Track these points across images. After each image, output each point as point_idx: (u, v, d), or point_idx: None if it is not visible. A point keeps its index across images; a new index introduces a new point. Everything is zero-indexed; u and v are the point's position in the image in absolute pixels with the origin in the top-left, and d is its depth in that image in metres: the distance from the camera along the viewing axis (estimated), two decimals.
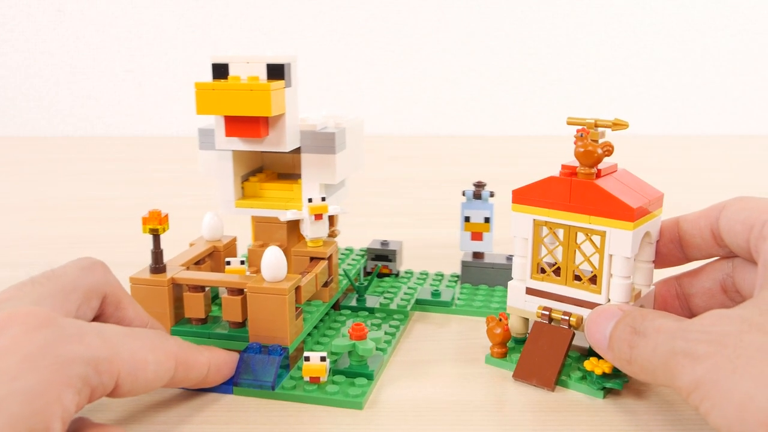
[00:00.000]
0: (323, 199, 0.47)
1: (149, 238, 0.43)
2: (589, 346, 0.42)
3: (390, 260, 0.57)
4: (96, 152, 1.29)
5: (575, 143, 0.40)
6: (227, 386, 0.40)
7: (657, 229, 0.42)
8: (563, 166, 0.42)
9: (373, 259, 0.58)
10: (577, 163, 0.41)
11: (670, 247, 0.43)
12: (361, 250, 0.59)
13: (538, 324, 0.42)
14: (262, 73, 0.44)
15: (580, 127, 0.41)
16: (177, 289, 0.43)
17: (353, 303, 0.52)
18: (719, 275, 0.42)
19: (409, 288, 0.55)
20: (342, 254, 0.58)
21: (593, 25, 1.46)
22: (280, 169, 0.53)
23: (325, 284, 0.48)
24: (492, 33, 1.46)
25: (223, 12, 1.45)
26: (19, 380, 0.28)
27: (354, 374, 0.41)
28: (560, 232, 0.42)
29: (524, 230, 0.43)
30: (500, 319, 0.44)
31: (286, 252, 0.50)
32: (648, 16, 1.46)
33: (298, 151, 0.48)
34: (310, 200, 0.47)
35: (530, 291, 0.43)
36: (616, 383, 0.40)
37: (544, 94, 1.48)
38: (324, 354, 0.40)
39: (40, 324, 0.30)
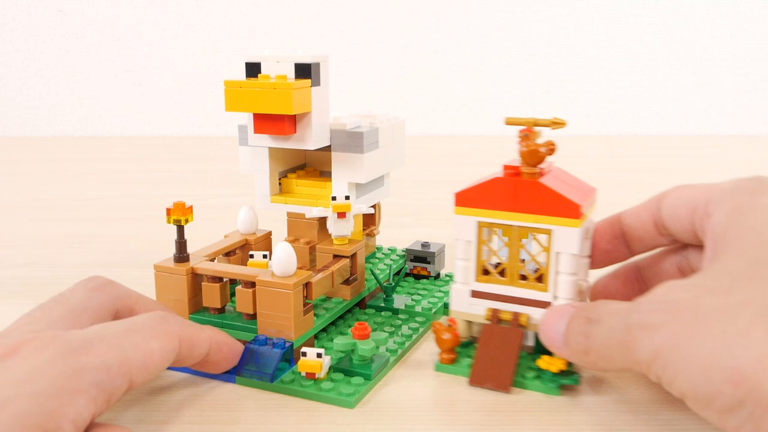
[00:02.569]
0: (347, 197, 0.47)
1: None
2: (536, 344, 0.43)
3: (428, 262, 0.56)
4: (96, 152, 1.29)
5: (519, 143, 0.40)
6: (230, 375, 0.41)
7: (592, 224, 0.43)
8: (506, 167, 0.42)
9: (411, 261, 0.57)
10: (518, 163, 0.41)
11: (615, 244, 0.43)
12: (402, 251, 0.59)
13: (488, 327, 0.42)
14: (291, 72, 0.45)
15: (522, 127, 0.41)
16: (197, 278, 0.45)
17: (381, 303, 0.52)
18: (676, 258, 0.43)
19: (441, 291, 0.54)
20: (383, 254, 0.58)
21: (593, 25, 1.46)
22: (322, 167, 0.54)
23: (347, 282, 0.48)
24: (492, 33, 1.46)
25: (223, 12, 1.45)
26: (30, 384, 0.29)
27: (353, 373, 0.41)
28: (501, 233, 0.42)
29: (467, 233, 0.42)
30: (449, 325, 0.43)
31: (313, 249, 0.51)
32: (648, 16, 1.46)
33: (328, 149, 0.49)
34: (333, 198, 0.47)
35: (475, 294, 0.43)
36: (572, 379, 0.40)
37: (545, 94, 1.48)
38: (321, 350, 0.40)
39: (45, 344, 0.31)
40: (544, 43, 1.47)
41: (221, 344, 0.40)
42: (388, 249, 0.59)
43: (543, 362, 0.40)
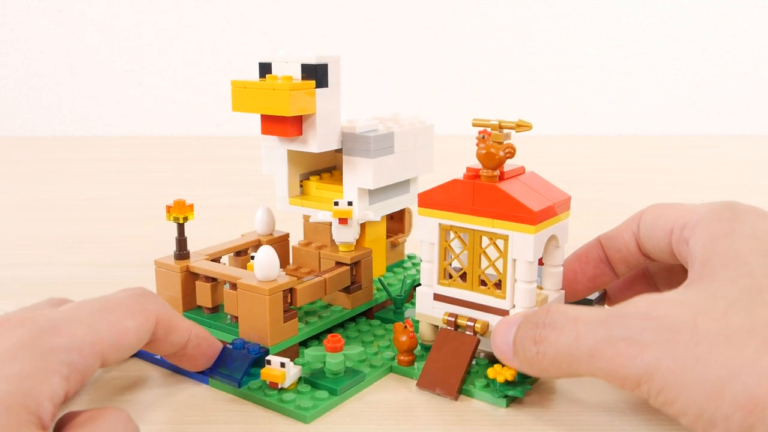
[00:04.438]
0: (350, 203, 0.46)
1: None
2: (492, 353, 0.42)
3: None
4: (96, 152, 1.29)
5: (477, 145, 0.40)
6: (204, 376, 0.41)
7: (565, 232, 0.42)
8: (468, 169, 0.41)
9: None
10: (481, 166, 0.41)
11: (602, 267, 0.44)
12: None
13: (444, 331, 0.41)
14: (298, 73, 0.45)
15: (481, 129, 0.40)
16: (192, 276, 0.45)
17: (390, 315, 0.50)
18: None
19: None
20: (413, 263, 0.56)
21: (593, 25, 1.46)
22: None
23: (347, 290, 0.47)
24: (493, 33, 1.46)
25: (223, 12, 1.45)
26: (3, 367, 0.29)
27: (320, 386, 0.40)
28: (465, 237, 0.42)
29: (430, 235, 0.42)
30: (405, 326, 0.42)
31: None
32: (648, 16, 1.46)
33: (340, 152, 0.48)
34: (335, 203, 0.46)
35: (437, 297, 0.42)
36: (518, 391, 0.39)
37: (545, 94, 1.48)
38: (285, 360, 0.39)
39: (15, 325, 0.31)
40: (545, 43, 1.47)
41: (201, 339, 0.40)
42: (420, 259, 0.57)
43: (492, 371, 0.39)
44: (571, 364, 0.33)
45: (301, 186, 0.51)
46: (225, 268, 0.44)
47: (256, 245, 0.50)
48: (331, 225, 0.49)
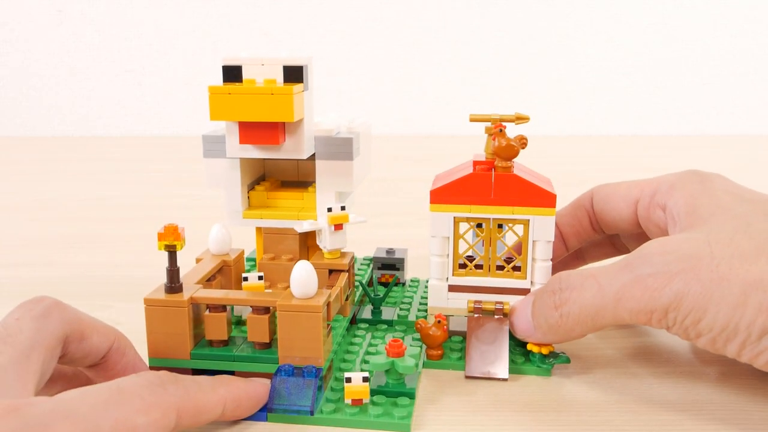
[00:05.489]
0: (343, 208, 0.45)
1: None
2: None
3: (397, 269, 0.55)
4: (96, 152, 1.29)
5: (494, 139, 0.42)
6: (261, 413, 0.37)
7: None
8: (476, 162, 0.44)
9: (379, 269, 0.55)
10: (483, 158, 0.44)
11: (554, 243, 0.46)
12: (365, 259, 0.56)
13: (473, 318, 0.43)
14: (279, 76, 0.42)
15: (488, 124, 0.43)
16: (196, 308, 0.40)
17: (368, 316, 0.49)
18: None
19: (422, 297, 0.53)
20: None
21: (593, 25, 1.46)
22: (284, 177, 0.51)
23: (347, 298, 0.46)
24: (493, 33, 1.46)
25: (223, 12, 1.45)
26: None
27: (394, 393, 0.38)
28: (479, 226, 0.44)
29: (444, 229, 0.43)
30: (438, 321, 0.43)
31: None
32: (648, 16, 1.46)
33: (311, 157, 0.45)
34: (329, 210, 0.44)
35: (453, 288, 0.44)
36: (562, 358, 0.42)
37: (545, 94, 1.48)
38: (366, 374, 0.37)
39: (2, 414, 0.27)
40: (545, 43, 1.47)
41: (240, 399, 0.36)
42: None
43: (532, 345, 0.42)
44: (596, 315, 0.37)
45: (248, 198, 0.48)
46: (239, 293, 0.40)
47: (220, 269, 0.46)
48: (301, 234, 0.47)
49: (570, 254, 0.51)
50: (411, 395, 0.38)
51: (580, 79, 1.48)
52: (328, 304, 0.40)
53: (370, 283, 0.54)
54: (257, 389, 0.37)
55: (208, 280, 0.44)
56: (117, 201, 0.89)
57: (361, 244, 0.56)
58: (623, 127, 1.49)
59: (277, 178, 0.51)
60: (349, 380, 0.37)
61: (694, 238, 0.36)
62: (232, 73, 0.42)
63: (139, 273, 0.60)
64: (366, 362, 0.43)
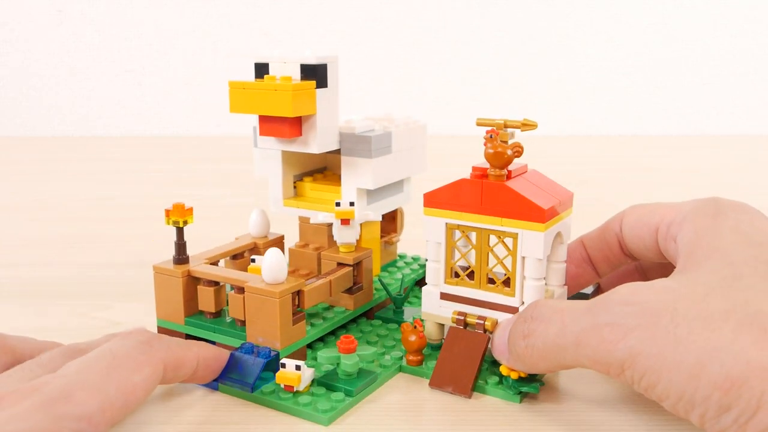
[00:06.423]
0: (351, 204, 0.46)
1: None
2: None
3: None
4: (96, 152, 1.29)
5: (485, 144, 0.40)
6: (214, 382, 0.41)
7: (568, 229, 0.42)
8: (474, 168, 0.41)
9: None
10: (487, 165, 0.41)
11: (584, 267, 0.45)
12: (425, 260, 0.57)
13: (454, 329, 0.42)
14: (297, 74, 0.44)
15: (489, 128, 0.41)
16: (193, 281, 0.44)
17: (390, 314, 0.50)
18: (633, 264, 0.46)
19: None
20: (405, 262, 0.56)
21: (594, 25, 1.46)
22: (339, 171, 0.52)
23: (350, 291, 0.47)
24: (493, 33, 1.46)
25: (223, 12, 1.45)
26: (14, 424, 0.28)
27: (336, 388, 0.39)
28: (473, 236, 0.42)
29: (437, 234, 0.42)
30: (415, 326, 0.42)
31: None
32: (648, 16, 1.46)
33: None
34: (337, 204, 0.46)
35: (444, 296, 0.43)
36: (532, 387, 0.39)
37: (545, 94, 1.48)
38: (300, 363, 0.38)
39: (25, 395, 0.30)
40: (545, 43, 1.47)
41: (209, 359, 0.39)
42: (411, 257, 0.57)
43: (505, 368, 0.39)
44: (558, 354, 0.34)
45: (295, 187, 0.51)
46: (228, 271, 0.44)
47: (252, 248, 0.50)
48: (330, 226, 0.49)
49: (629, 272, 0.47)
50: (349, 393, 0.39)
51: (580, 79, 1.48)
52: (300, 293, 0.41)
53: (417, 283, 0.54)
54: (224, 354, 0.40)
55: (234, 257, 0.49)
56: (117, 201, 0.89)
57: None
58: (623, 127, 1.50)
59: (336, 171, 0.52)
60: (284, 366, 0.38)
61: (666, 287, 0.33)
62: (261, 70, 0.46)
63: (139, 273, 0.60)
64: (315, 357, 0.44)
